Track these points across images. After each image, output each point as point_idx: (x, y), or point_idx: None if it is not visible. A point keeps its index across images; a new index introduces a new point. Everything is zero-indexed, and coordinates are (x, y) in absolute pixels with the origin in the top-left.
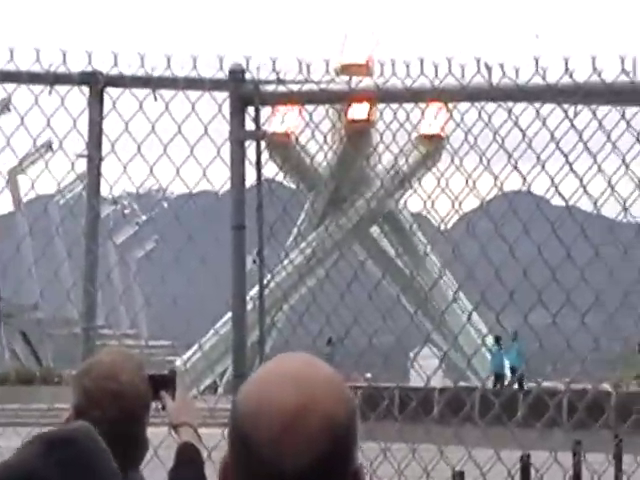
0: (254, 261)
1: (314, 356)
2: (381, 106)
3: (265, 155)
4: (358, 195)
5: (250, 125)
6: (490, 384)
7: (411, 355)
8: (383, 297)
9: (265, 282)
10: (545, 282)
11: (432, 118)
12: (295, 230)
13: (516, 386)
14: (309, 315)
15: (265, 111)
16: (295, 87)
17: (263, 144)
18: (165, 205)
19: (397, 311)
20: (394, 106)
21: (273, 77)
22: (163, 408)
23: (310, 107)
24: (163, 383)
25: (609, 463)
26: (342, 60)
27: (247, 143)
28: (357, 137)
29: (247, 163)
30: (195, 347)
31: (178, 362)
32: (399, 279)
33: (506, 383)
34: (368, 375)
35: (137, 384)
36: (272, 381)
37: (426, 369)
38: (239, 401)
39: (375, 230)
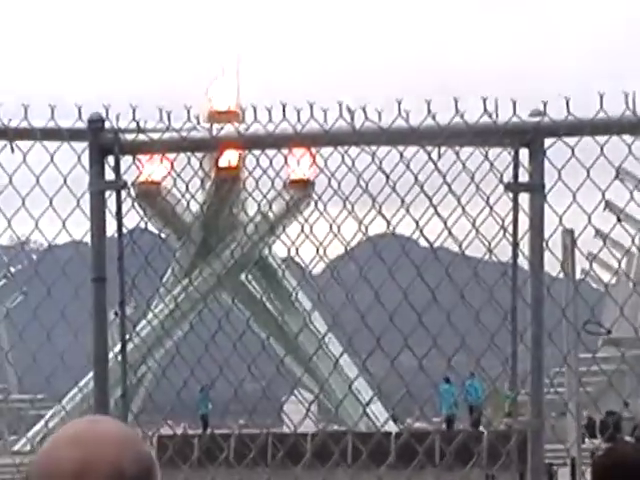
0: (115, 314)
1: (106, 417)
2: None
3: (127, 204)
4: (227, 243)
5: (110, 175)
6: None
7: (282, 400)
8: (253, 342)
9: (128, 336)
10: (412, 325)
11: (298, 163)
12: (165, 279)
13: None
14: (175, 366)
15: (127, 160)
16: (156, 135)
17: (124, 194)
18: (34, 257)
19: (266, 357)
20: (259, 153)
21: (133, 125)
22: None
23: (181, 155)
24: None
25: None
26: (211, 107)
27: (108, 193)
28: (225, 185)
29: (109, 213)
30: (59, 406)
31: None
32: (268, 324)
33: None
34: (241, 422)
35: None
36: (56, 444)
37: (297, 414)
38: (30, 468)
39: (245, 276)
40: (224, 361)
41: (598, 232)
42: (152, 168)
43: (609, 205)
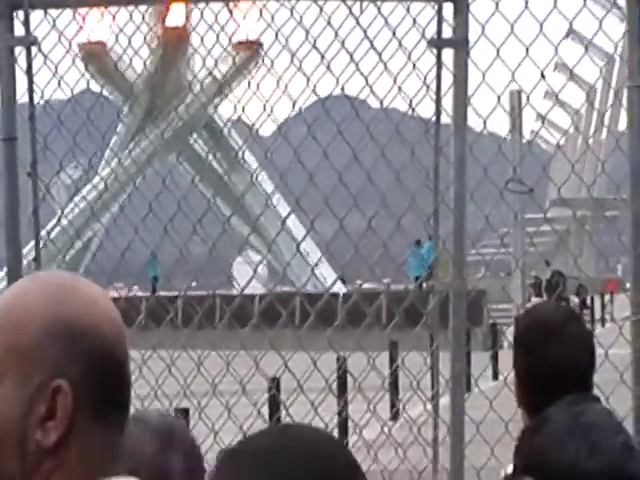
0: (28, 174)
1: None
2: (197, 15)
3: (38, 62)
4: (175, 104)
5: (20, 31)
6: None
7: (231, 262)
8: (199, 204)
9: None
10: (333, 185)
11: (244, 18)
12: (112, 142)
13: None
14: (120, 230)
15: (37, 15)
16: None
17: (34, 50)
18: None
19: (213, 218)
20: (203, 6)
21: None
22: None
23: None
24: None
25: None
26: None
27: (18, 50)
28: (173, 44)
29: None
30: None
31: None
32: (214, 184)
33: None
34: (194, 284)
35: None
36: (86, 292)
37: (247, 276)
38: (74, 314)
39: (196, 141)
40: (169, 222)
41: (547, 92)
42: (96, 26)
43: (558, 66)
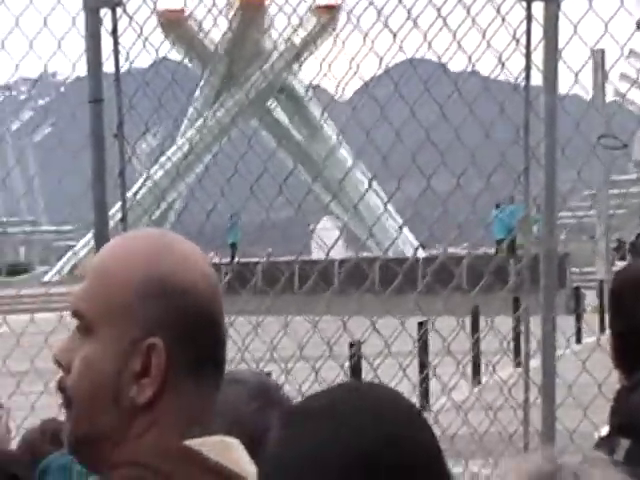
0: (114, 135)
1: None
2: None
3: (123, 23)
4: (253, 70)
5: None
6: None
7: (311, 227)
8: (279, 169)
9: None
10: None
11: None
12: (195, 102)
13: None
14: (205, 191)
15: None
16: None
17: (119, 11)
18: (62, 90)
19: (294, 184)
20: None
21: None
22: None
23: None
24: None
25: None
26: None
27: (103, 12)
28: (251, 10)
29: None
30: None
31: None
32: (294, 149)
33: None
34: (269, 250)
35: None
36: (180, 249)
37: (326, 241)
38: (168, 272)
39: (273, 106)
40: (255, 182)
41: (631, 51)
42: None
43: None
